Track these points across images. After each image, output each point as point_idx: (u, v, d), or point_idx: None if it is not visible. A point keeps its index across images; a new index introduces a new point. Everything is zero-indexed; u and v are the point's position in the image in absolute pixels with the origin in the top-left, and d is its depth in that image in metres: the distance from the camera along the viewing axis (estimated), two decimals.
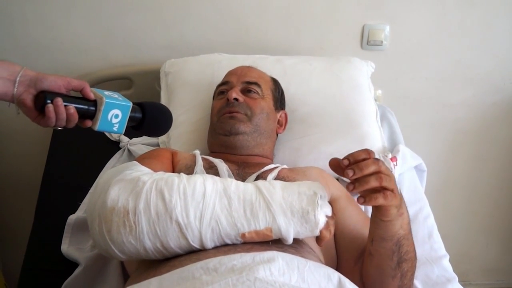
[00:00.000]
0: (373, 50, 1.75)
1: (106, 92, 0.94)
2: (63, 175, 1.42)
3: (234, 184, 0.91)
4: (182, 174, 0.93)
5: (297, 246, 0.93)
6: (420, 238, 1.24)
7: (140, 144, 1.47)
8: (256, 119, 1.26)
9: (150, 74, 1.69)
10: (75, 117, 0.90)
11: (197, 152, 1.21)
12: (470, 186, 2.03)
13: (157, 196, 0.87)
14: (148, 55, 1.72)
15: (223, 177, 1.09)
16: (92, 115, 0.92)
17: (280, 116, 1.36)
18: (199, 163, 1.15)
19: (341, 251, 1.10)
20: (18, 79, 0.88)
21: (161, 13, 1.67)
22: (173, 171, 1.17)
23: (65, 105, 0.89)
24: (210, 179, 0.92)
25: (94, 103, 0.92)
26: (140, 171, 0.96)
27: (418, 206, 1.34)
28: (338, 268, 1.07)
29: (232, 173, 1.15)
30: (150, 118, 0.99)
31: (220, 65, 1.53)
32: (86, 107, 0.92)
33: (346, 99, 1.48)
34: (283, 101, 1.40)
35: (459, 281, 1.17)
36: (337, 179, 1.35)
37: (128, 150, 1.46)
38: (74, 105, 0.90)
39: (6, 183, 1.89)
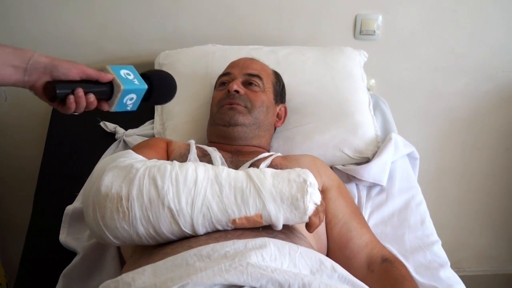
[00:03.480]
0: (366, 40, 1.74)
1: (122, 71, 0.95)
2: (60, 167, 1.42)
3: (225, 172, 0.92)
4: (175, 162, 0.93)
5: (287, 232, 0.94)
6: (413, 225, 1.25)
7: (136, 135, 1.47)
8: (255, 112, 1.26)
9: (145, 66, 1.65)
10: (95, 104, 0.92)
11: (192, 141, 1.22)
12: (463, 174, 2.03)
13: (149, 183, 0.88)
14: (143, 48, 1.71)
15: (216, 165, 1.11)
16: (108, 98, 0.94)
17: (280, 110, 1.37)
18: (193, 151, 1.16)
19: (328, 240, 1.12)
20: (28, 66, 0.87)
21: (155, 5, 1.67)
22: (168, 160, 1.17)
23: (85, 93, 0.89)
24: (202, 166, 0.93)
25: (110, 85, 0.93)
26: (134, 158, 0.96)
27: (411, 194, 1.33)
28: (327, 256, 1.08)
29: (226, 161, 1.15)
30: (157, 91, 1.01)
31: (214, 56, 1.53)
32: (104, 93, 0.93)
33: (339, 89, 1.48)
34: (284, 94, 1.40)
35: (453, 268, 1.17)
36: (331, 167, 1.37)
37: (124, 141, 1.46)
38: (93, 93, 0.91)
39: (5, 174, 1.89)
